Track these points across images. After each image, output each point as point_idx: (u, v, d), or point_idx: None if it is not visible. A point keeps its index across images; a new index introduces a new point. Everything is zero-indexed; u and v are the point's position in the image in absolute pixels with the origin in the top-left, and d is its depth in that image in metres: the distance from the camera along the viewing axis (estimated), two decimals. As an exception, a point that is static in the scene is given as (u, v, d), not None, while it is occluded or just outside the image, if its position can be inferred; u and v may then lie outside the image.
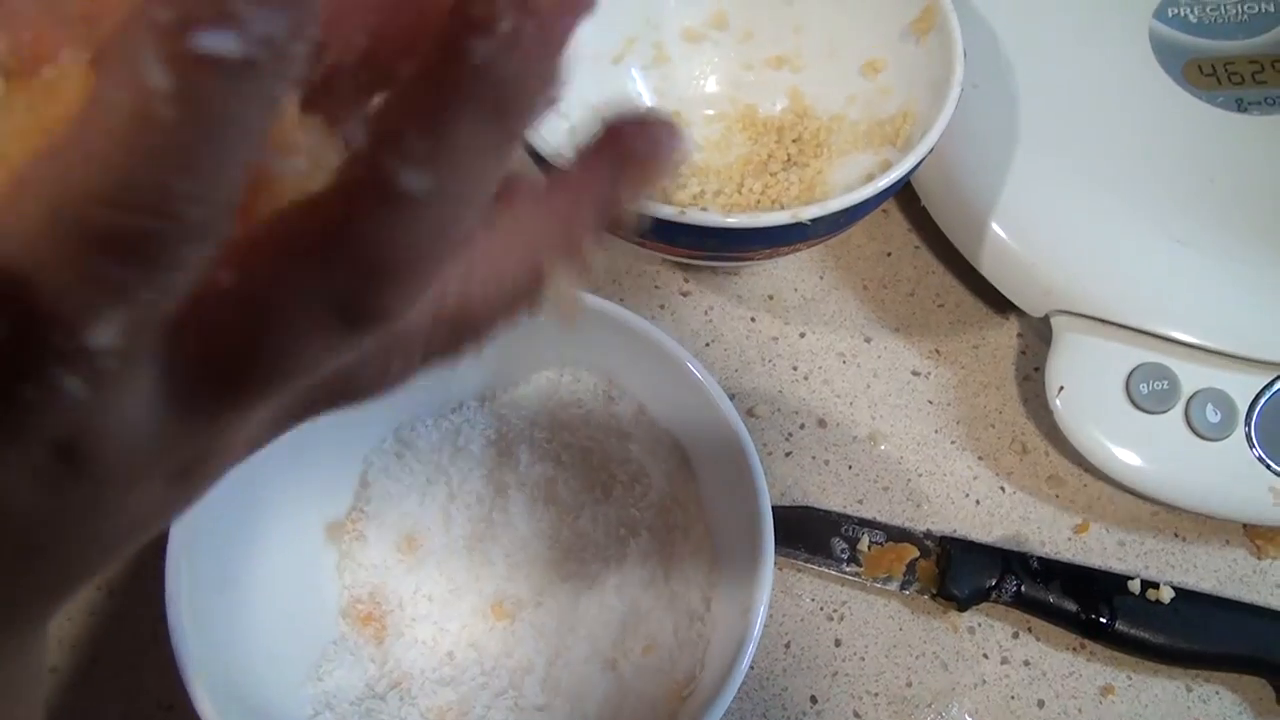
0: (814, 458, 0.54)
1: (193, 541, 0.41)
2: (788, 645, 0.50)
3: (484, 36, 0.18)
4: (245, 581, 0.45)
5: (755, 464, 0.44)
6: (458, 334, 0.25)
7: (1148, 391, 0.51)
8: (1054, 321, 0.54)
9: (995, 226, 0.54)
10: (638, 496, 0.48)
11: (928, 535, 0.52)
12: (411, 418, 0.51)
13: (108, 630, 0.49)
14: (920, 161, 0.50)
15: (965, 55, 0.53)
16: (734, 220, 0.48)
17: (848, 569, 0.51)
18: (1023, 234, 0.54)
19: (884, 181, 0.49)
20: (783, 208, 0.57)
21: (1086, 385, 0.52)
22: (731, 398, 0.47)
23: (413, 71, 0.18)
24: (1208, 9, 0.60)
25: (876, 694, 0.49)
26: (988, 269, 0.55)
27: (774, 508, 0.44)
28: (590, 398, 0.50)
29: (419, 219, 0.19)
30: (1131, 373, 0.52)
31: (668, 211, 0.48)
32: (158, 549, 0.50)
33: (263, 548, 0.46)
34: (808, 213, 0.48)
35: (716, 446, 0.46)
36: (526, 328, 0.46)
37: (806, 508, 0.53)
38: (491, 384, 0.51)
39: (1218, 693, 0.50)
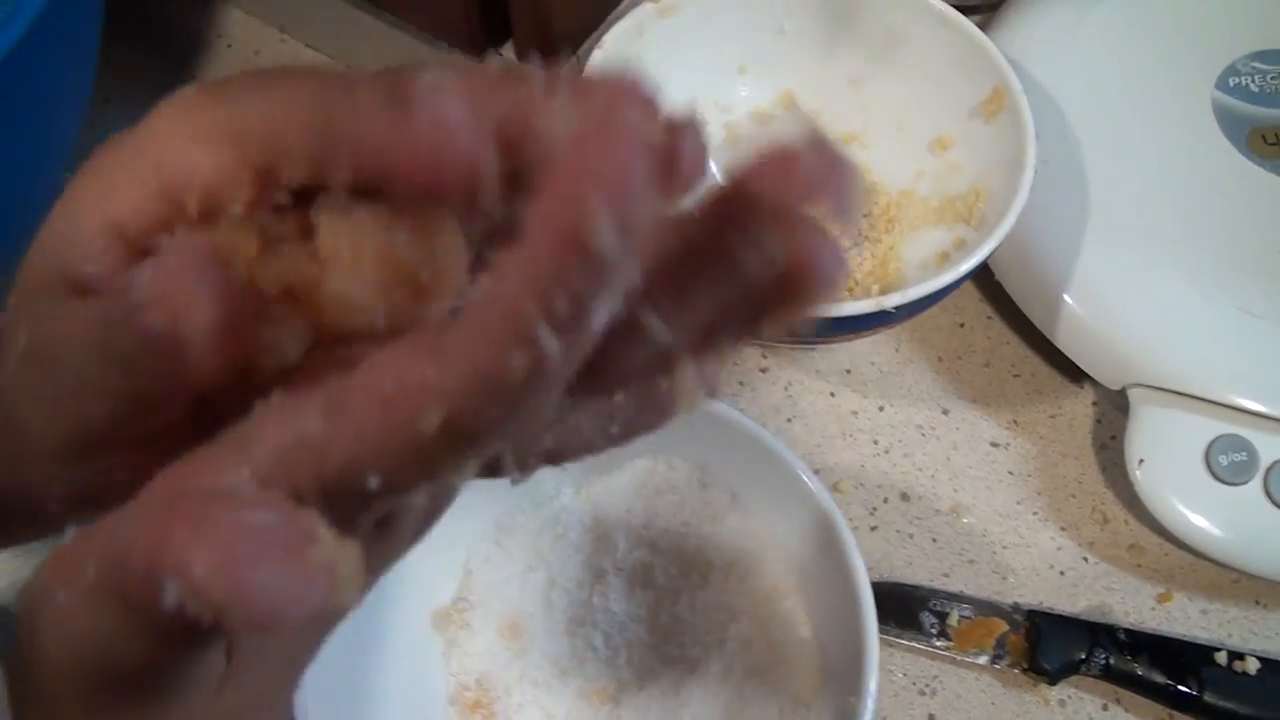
0: (898, 531, 0.56)
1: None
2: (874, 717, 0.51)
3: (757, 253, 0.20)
4: (359, 672, 0.47)
5: (852, 549, 0.45)
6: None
7: (1227, 463, 0.52)
8: (1131, 394, 0.55)
9: (1069, 300, 0.56)
10: (734, 582, 0.50)
11: (1015, 608, 0.53)
12: (511, 507, 0.52)
13: None
14: (999, 243, 0.51)
15: (1037, 136, 0.54)
16: (823, 310, 0.49)
17: (938, 643, 0.52)
18: (1097, 308, 0.56)
19: (965, 266, 0.50)
20: (856, 283, 0.59)
21: (1166, 458, 0.53)
22: (815, 473, 0.48)
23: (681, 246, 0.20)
24: (1269, 78, 0.61)
25: (972, 768, 0.50)
26: (1063, 343, 0.56)
27: (868, 585, 0.45)
28: (684, 484, 0.51)
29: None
30: (1210, 444, 0.53)
31: (757, 302, 0.49)
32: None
33: (375, 640, 0.48)
34: (892, 300, 0.49)
35: (810, 531, 0.48)
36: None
37: (896, 583, 0.54)
38: (587, 472, 0.53)
39: (1308, 760, 0.51)
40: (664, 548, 0.51)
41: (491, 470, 0.24)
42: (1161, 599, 0.54)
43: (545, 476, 0.52)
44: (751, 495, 0.51)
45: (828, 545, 0.46)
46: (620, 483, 0.52)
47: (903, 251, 0.59)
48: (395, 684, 0.47)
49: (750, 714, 0.47)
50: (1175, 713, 0.51)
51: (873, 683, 0.42)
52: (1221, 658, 0.51)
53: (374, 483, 0.19)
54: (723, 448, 0.49)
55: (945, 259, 0.57)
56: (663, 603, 0.50)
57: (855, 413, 0.59)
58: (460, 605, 0.51)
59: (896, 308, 0.50)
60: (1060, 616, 0.53)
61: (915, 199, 0.60)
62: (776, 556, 0.50)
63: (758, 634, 0.49)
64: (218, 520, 0.18)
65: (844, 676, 0.44)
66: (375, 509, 0.20)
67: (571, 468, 0.51)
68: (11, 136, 0.50)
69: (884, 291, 0.57)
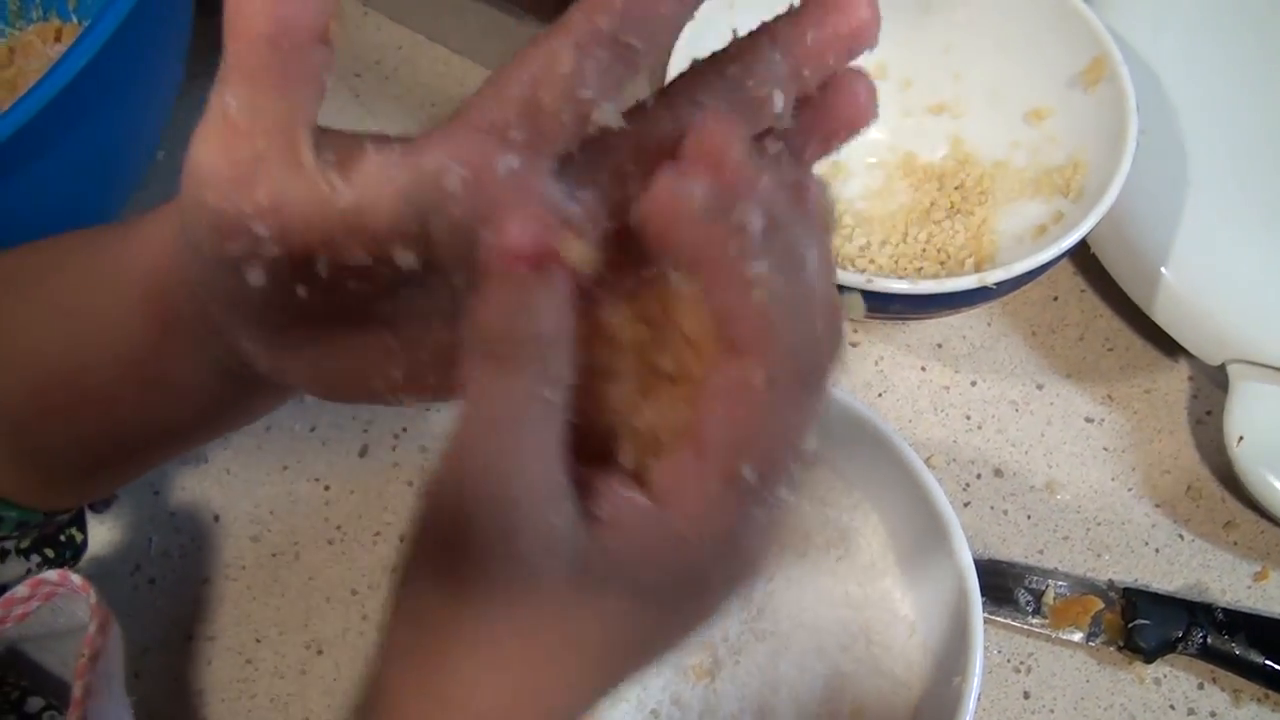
0: (992, 508, 0.55)
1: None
2: (978, 697, 0.51)
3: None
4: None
5: (955, 526, 0.45)
6: None
7: (1328, 440, 0.51)
8: (1230, 370, 0.54)
9: (1168, 275, 0.55)
10: (832, 560, 0.50)
11: (1110, 586, 0.53)
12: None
13: (321, 690, 0.52)
14: (1101, 218, 0.50)
15: (1138, 106, 0.53)
16: (921, 287, 0.49)
17: (1033, 621, 0.52)
18: (1196, 282, 0.55)
19: (1068, 241, 0.50)
20: (949, 256, 0.58)
21: (1266, 434, 0.52)
22: (906, 449, 0.48)
23: None
24: (1376, 41, 0.59)
25: (1067, 745, 0.50)
26: (1161, 318, 0.56)
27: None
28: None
29: None
30: (1312, 420, 0.52)
31: (854, 280, 0.49)
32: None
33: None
34: (994, 276, 0.49)
35: (909, 507, 0.48)
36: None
37: (990, 560, 0.54)
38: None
39: None
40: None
41: None
42: (1258, 577, 0.54)
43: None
44: (851, 471, 0.51)
45: (928, 522, 0.46)
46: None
47: (997, 224, 0.58)
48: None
49: (850, 692, 0.47)
50: (1272, 692, 0.51)
51: (978, 662, 0.42)
52: (1321, 638, 0.50)
53: None
54: (823, 422, 0.49)
55: (1042, 232, 0.56)
56: (758, 578, 0.50)
57: (947, 388, 0.59)
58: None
59: (997, 284, 0.49)
60: (1156, 594, 0.53)
61: (1010, 171, 0.59)
62: (875, 533, 0.50)
63: (855, 612, 0.49)
64: None
65: (946, 656, 0.44)
66: None
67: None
68: (116, 112, 0.51)
69: (978, 265, 0.57)
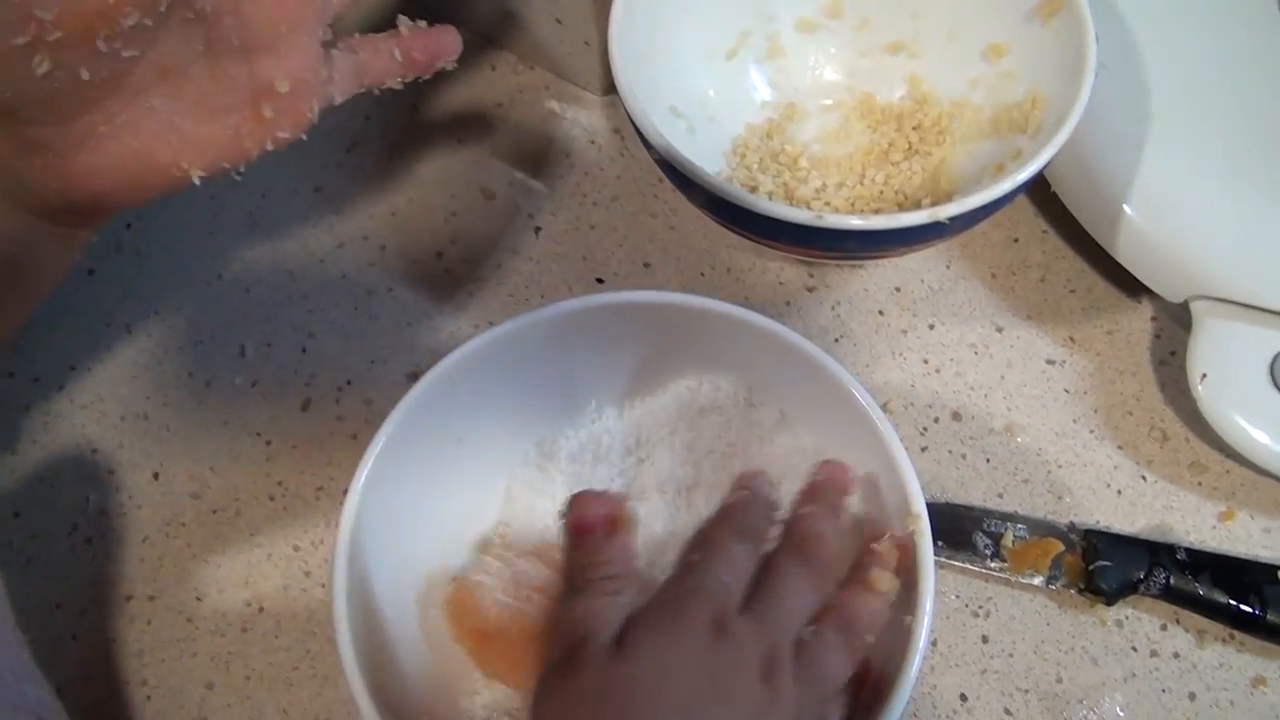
0: (950, 452, 0.54)
1: (357, 561, 0.42)
2: (935, 643, 0.50)
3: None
4: (404, 601, 0.46)
5: (907, 468, 0.44)
6: None
7: (1293, 376, 0.50)
8: (1194, 307, 0.53)
9: (1130, 211, 0.53)
10: (783, 502, 0.48)
11: (1071, 528, 0.52)
12: (553, 430, 0.51)
13: (263, 648, 0.51)
14: (1057, 151, 0.49)
15: (1097, 38, 0.51)
16: (873, 223, 0.47)
17: (992, 565, 0.51)
18: (1159, 218, 0.53)
19: (1023, 175, 0.48)
20: (906, 197, 0.57)
21: (1229, 372, 0.51)
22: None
23: None
24: (1340, -27, 0.58)
25: (1027, 690, 0.49)
26: (1124, 255, 0.54)
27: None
28: (729, 404, 0.50)
29: None
30: (1276, 357, 0.51)
31: (804, 217, 0.48)
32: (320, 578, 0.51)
33: (420, 568, 0.47)
34: (947, 211, 0.47)
35: (863, 451, 0.46)
36: (664, 336, 0.47)
37: (948, 504, 0.52)
38: (629, 392, 0.51)
39: (1375, 681, 0.50)
40: (708, 469, 0.50)
41: None
42: (1223, 517, 0.53)
43: (587, 397, 0.51)
44: (801, 414, 0.49)
45: (881, 465, 0.45)
46: (663, 404, 0.51)
47: (956, 164, 0.57)
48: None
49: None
50: (1237, 632, 0.50)
51: (928, 604, 0.41)
52: (1286, 576, 0.49)
53: None
54: (771, 366, 0.48)
55: (1001, 171, 0.54)
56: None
57: (905, 331, 0.57)
58: (503, 531, 0.50)
59: (950, 219, 0.48)
60: (1118, 536, 0.51)
61: (968, 109, 0.58)
62: None
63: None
64: None
65: (899, 600, 0.42)
66: None
67: (613, 388, 0.50)
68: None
69: (935, 206, 0.55)
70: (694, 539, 0.42)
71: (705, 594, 0.38)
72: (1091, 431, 0.55)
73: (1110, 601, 0.50)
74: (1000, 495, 0.53)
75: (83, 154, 0.36)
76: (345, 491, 0.43)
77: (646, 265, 0.60)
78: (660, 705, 0.34)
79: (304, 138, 0.42)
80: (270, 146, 0.40)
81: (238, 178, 0.41)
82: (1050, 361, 0.56)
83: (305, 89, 0.40)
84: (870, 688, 0.42)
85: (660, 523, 0.49)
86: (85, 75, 0.33)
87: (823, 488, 0.45)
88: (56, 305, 0.59)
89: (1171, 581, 0.49)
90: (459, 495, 0.49)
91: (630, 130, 0.63)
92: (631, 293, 0.48)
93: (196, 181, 0.39)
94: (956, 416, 0.55)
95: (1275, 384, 0.50)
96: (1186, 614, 0.50)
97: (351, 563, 0.42)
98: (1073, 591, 0.51)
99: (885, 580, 0.41)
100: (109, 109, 0.35)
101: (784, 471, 0.49)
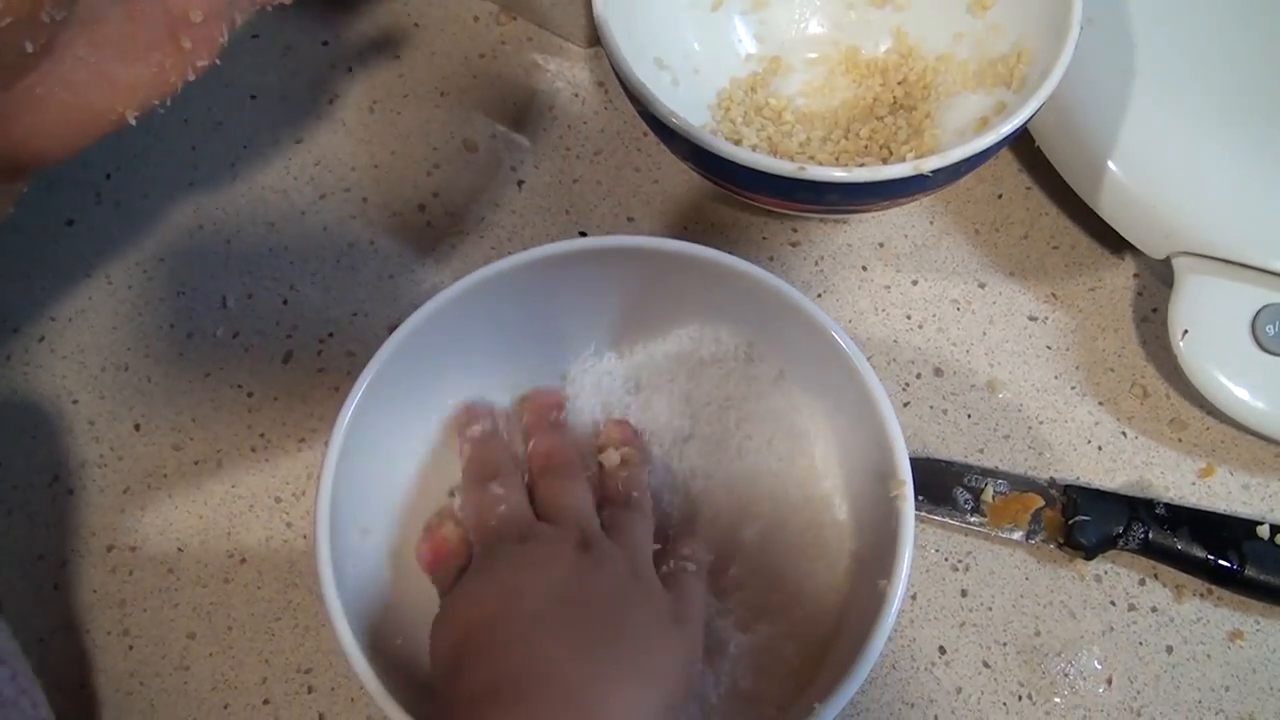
0: (932, 407, 0.54)
1: (339, 511, 0.42)
2: (914, 596, 0.50)
3: None
4: (385, 550, 0.46)
5: (897, 435, 0.43)
6: None
7: (1274, 333, 0.50)
8: (1176, 263, 0.53)
9: (1113, 167, 0.53)
10: (773, 461, 0.48)
11: (1051, 484, 0.52)
12: (551, 373, 0.51)
13: (245, 598, 0.51)
14: (1041, 105, 0.49)
15: (1082, -10, 0.51)
16: (855, 175, 0.47)
17: (972, 519, 0.51)
18: (1142, 174, 0.53)
19: (1007, 128, 0.48)
20: (891, 152, 0.57)
21: (1211, 328, 0.51)
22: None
23: None
24: (1330, -73, 0.58)
25: (1005, 643, 0.49)
26: (1106, 211, 0.54)
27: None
28: (730, 357, 0.50)
29: None
30: (1257, 314, 0.51)
31: (787, 168, 0.47)
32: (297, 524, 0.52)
33: (402, 517, 0.47)
34: (929, 164, 0.47)
35: (850, 405, 0.46)
36: (668, 284, 0.47)
37: (928, 458, 0.53)
38: (632, 338, 0.51)
39: (1349, 635, 0.50)
40: (704, 421, 0.50)
41: None
42: (1203, 474, 0.53)
43: (588, 339, 0.51)
44: (799, 373, 0.49)
45: (866, 419, 0.45)
46: (665, 350, 0.51)
47: (940, 119, 0.57)
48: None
49: (778, 596, 0.46)
50: (1215, 587, 0.50)
51: (907, 558, 0.41)
52: (1264, 531, 0.50)
53: None
54: (771, 319, 0.47)
55: (985, 125, 0.54)
56: (698, 475, 0.49)
57: (888, 287, 0.57)
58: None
59: (933, 172, 0.47)
60: (1098, 491, 0.52)
61: (953, 63, 0.58)
62: (820, 435, 0.49)
63: (792, 514, 0.48)
64: None
65: (878, 554, 0.43)
66: None
67: (617, 331, 0.50)
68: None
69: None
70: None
71: (509, 520, 0.44)
72: (1073, 388, 0.55)
73: (1089, 556, 0.50)
74: (981, 450, 0.53)
75: (25, 116, 0.37)
76: (327, 443, 0.43)
77: (630, 219, 0.59)
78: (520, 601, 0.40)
79: (218, 62, 0.42)
80: (191, 76, 0.41)
81: (162, 111, 0.41)
82: (1032, 318, 0.56)
83: (216, 15, 0.41)
84: (845, 643, 0.42)
85: (654, 473, 0.49)
86: (29, 48, 0.34)
87: (538, 411, 0.50)
88: (35, 256, 0.58)
89: (1150, 536, 0.50)
90: (441, 444, 0.49)
91: (614, 83, 0.63)
92: (618, 238, 0.48)
93: (133, 122, 0.40)
94: (938, 372, 0.55)
95: (1256, 341, 0.50)
96: (1165, 569, 0.51)
97: (333, 513, 0.42)
98: (1052, 546, 0.51)
99: (611, 457, 0.48)
100: (44, 69, 0.36)
101: (775, 430, 0.49)
